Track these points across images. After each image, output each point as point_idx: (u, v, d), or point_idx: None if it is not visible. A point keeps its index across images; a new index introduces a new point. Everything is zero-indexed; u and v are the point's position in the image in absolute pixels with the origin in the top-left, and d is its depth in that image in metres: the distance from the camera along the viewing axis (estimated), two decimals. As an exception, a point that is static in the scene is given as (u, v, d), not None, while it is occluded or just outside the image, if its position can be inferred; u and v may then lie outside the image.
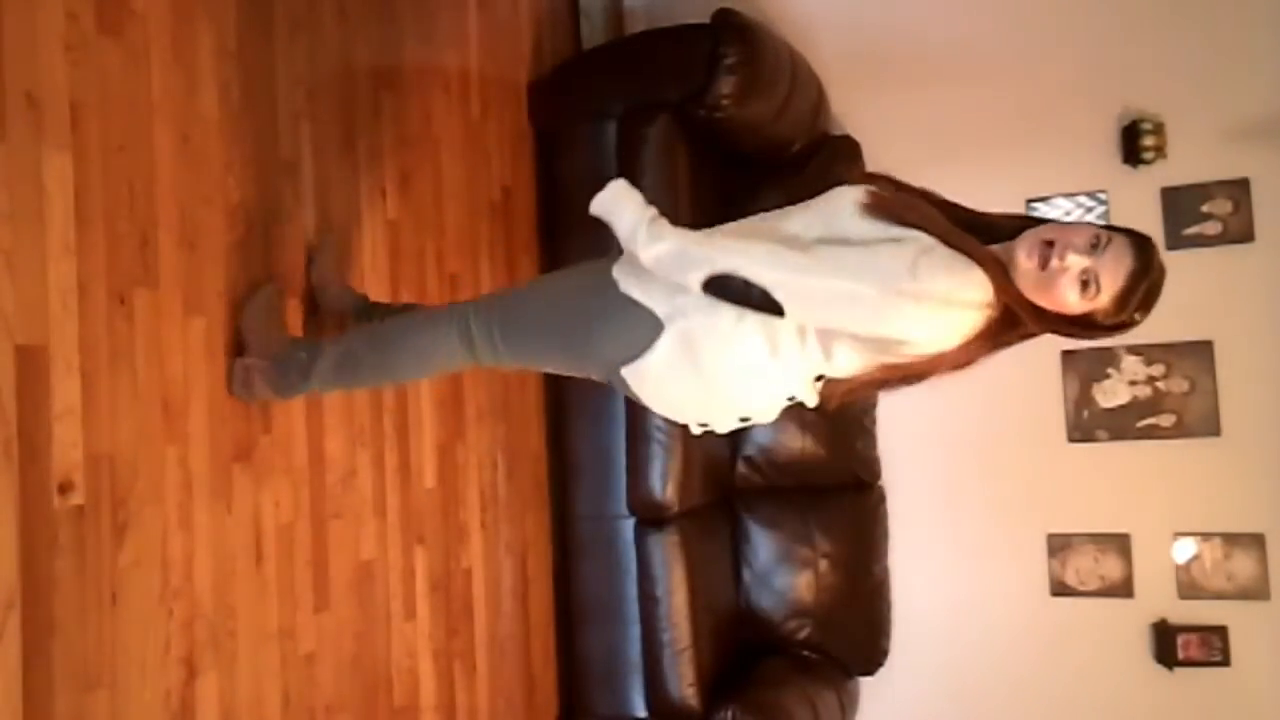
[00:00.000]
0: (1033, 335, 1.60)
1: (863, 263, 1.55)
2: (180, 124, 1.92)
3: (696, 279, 1.60)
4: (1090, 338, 1.61)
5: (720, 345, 1.62)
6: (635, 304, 1.68)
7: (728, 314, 1.61)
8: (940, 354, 1.56)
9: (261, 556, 2.04)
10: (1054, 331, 1.58)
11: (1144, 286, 1.50)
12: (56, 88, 1.66)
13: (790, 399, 1.72)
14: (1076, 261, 1.48)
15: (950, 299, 1.52)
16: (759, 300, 1.59)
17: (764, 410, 1.76)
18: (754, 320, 1.60)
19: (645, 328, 1.66)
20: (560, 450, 3.28)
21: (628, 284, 1.70)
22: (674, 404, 1.76)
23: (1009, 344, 1.61)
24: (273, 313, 2.05)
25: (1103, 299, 1.50)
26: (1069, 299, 1.50)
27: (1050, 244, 1.51)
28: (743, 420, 1.77)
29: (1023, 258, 1.53)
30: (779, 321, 1.60)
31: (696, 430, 1.82)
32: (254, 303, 2.01)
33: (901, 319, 1.53)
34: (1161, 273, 1.52)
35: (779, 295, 1.56)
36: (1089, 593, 3.40)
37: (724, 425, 1.78)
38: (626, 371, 1.69)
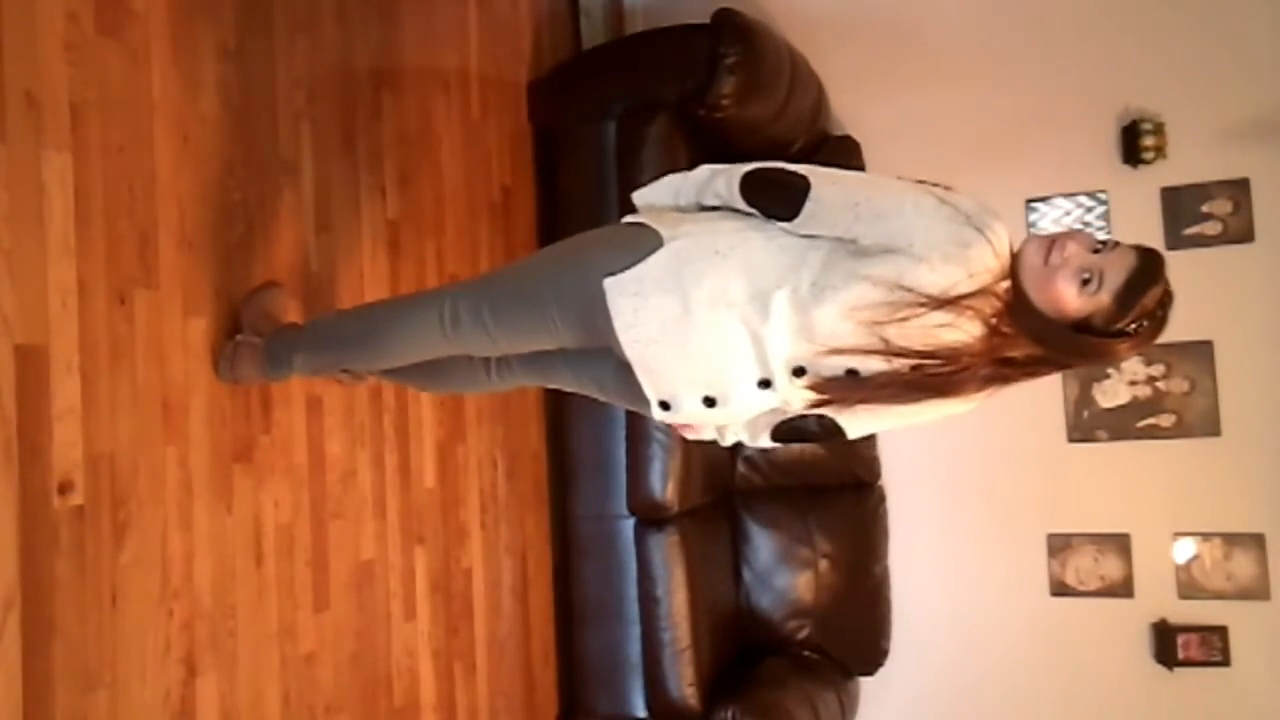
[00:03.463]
0: (1036, 368, 1.58)
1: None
2: (180, 124, 1.92)
3: (741, 170, 1.76)
4: (1089, 356, 1.56)
5: (709, 265, 1.62)
6: (642, 226, 1.70)
7: (732, 225, 1.68)
8: (938, 298, 1.49)
9: (261, 556, 2.04)
10: (1047, 345, 1.54)
11: (1148, 290, 1.47)
12: (56, 88, 1.66)
13: (764, 384, 1.63)
14: (1077, 254, 1.49)
15: (971, 218, 1.51)
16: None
17: (734, 387, 1.65)
18: (755, 234, 1.66)
19: (645, 244, 1.66)
20: (560, 450, 3.28)
21: (640, 218, 1.75)
22: (645, 331, 1.63)
23: (1009, 374, 1.58)
24: (274, 305, 2.05)
25: (1103, 296, 1.47)
26: (1068, 293, 1.49)
27: (1054, 240, 1.52)
28: (708, 402, 1.67)
29: (1029, 254, 1.53)
30: (780, 241, 1.64)
31: (657, 412, 1.72)
32: (257, 295, 2.04)
33: (916, 207, 1.53)
34: (1169, 291, 1.50)
35: (804, 170, 1.71)
36: (1089, 593, 3.40)
37: (688, 393, 1.67)
38: (609, 282, 1.64)
